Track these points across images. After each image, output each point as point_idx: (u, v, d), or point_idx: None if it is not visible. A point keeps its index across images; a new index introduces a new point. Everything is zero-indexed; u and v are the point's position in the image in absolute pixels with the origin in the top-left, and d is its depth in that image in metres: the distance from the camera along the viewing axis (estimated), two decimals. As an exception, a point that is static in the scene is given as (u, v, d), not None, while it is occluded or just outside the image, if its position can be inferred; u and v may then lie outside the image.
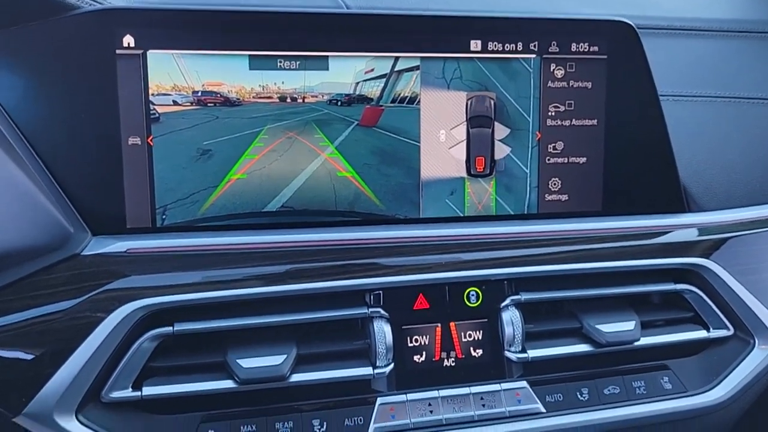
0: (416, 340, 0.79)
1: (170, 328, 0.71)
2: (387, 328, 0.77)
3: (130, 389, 0.70)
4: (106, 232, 0.74)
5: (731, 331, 0.88)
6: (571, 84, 0.85)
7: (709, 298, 0.87)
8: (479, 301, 0.81)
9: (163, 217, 0.77)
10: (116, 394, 0.69)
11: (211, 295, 0.72)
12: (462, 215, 0.84)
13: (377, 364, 0.76)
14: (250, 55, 0.77)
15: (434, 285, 0.79)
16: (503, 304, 0.81)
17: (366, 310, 0.77)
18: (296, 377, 0.74)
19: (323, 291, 0.75)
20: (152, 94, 0.74)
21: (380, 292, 0.78)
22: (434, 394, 0.78)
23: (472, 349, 0.80)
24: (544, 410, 0.80)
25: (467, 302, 0.81)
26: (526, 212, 0.86)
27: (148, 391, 0.70)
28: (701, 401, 0.84)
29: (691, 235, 0.88)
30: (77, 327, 0.68)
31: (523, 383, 0.80)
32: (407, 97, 0.82)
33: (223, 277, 0.73)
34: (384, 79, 0.81)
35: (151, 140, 0.75)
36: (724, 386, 0.86)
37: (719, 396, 0.85)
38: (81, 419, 0.67)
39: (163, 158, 0.76)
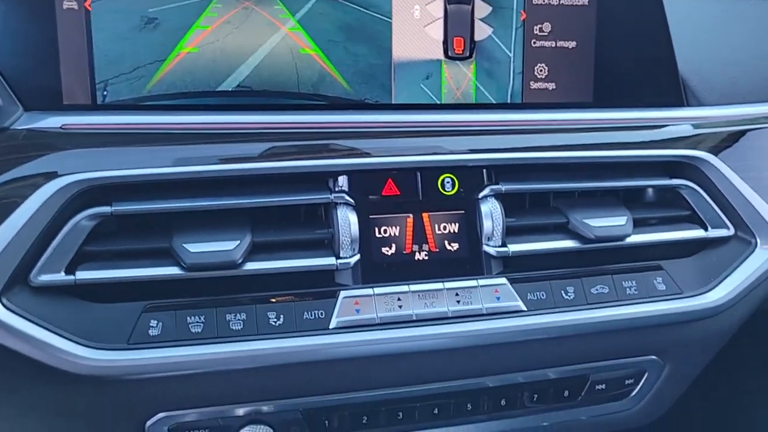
0: (385, 231, 0.72)
1: (108, 207, 0.64)
2: (352, 217, 0.70)
3: (63, 273, 0.63)
4: (40, 108, 0.67)
5: (731, 231, 0.81)
6: (559, -45, 0.77)
7: (708, 195, 0.80)
8: (455, 190, 0.74)
9: (105, 93, 0.69)
10: (46, 277, 0.62)
11: (154, 172, 0.65)
12: (438, 102, 0.76)
13: (341, 254, 0.69)
14: None
15: (405, 169, 0.72)
16: (482, 194, 0.74)
17: (329, 196, 0.70)
18: (250, 266, 0.67)
19: (282, 172, 0.68)
20: (88, -50, 0.67)
21: (345, 175, 0.70)
22: (404, 288, 0.71)
23: (446, 242, 0.73)
24: (524, 308, 0.73)
25: (442, 190, 0.73)
26: (509, 101, 0.78)
27: (82, 275, 0.63)
28: (698, 304, 0.77)
29: (689, 128, 0.81)
30: (2, 203, 0.61)
31: (503, 280, 0.73)
32: (377, -35, 0.74)
33: (170, 157, 0.66)
34: (350, -58, 0.73)
35: (89, 5, 0.67)
36: (723, 288, 0.78)
37: (717, 299, 0.78)
38: (5, 302, 0.60)
39: (103, 26, 0.68)
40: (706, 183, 0.80)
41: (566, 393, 0.81)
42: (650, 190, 0.84)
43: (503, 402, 0.79)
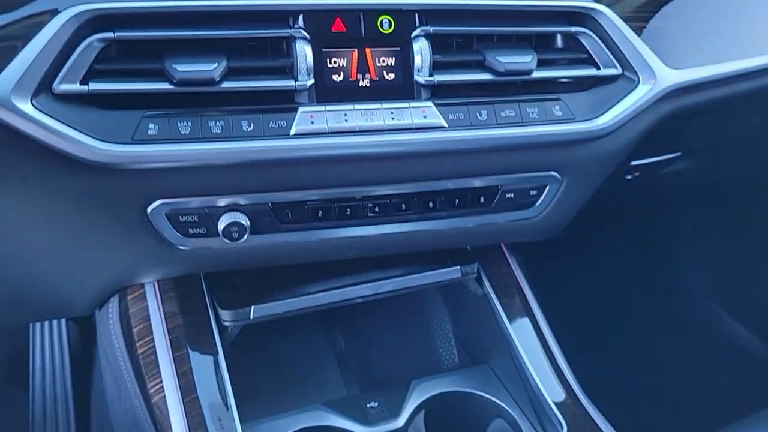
0: (335, 62, 0.89)
1: (112, 33, 0.81)
2: (308, 49, 0.87)
3: (78, 84, 0.80)
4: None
5: (619, 71, 0.99)
6: None
7: (601, 41, 0.98)
8: (391, 29, 0.91)
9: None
10: (65, 87, 0.80)
11: (148, 5, 0.81)
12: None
13: (299, 79, 0.87)
14: None
15: (350, 10, 0.89)
16: (414, 34, 0.91)
17: (289, 30, 0.87)
18: (226, 84, 0.84)
19: (251, 9, 0.85)
20: None
21: (301, 14, 0.87)
22: (349, 107, 0.89)
23: (384, 72, 0.91)
24: (446, 125, 0.92)
25: (380, 29, 0.90)
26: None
27: (94, 86, 0.80)
28: (588, 126, 0.97)
29: (591, -15, 0.98)
30: (27, 26, 0.78)
31: (429, 103, 0.92)
32: None
33: None
34: None
35: None
36: (609, 115, 0.98)
37: (604, 122, 0.97)
38: (35, 104, 0.78)
39: None
40: (600, 31, 0.98)
41: (482, 199, 1.01)
42: (558, 37, 1.01)
43: (431, 204, 0.99)
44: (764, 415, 1.09)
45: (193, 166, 0.85)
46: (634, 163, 1.29)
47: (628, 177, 1.35)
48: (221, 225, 0.91)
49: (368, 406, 1.06)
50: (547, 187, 1.04)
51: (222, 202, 0.91)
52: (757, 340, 1.88)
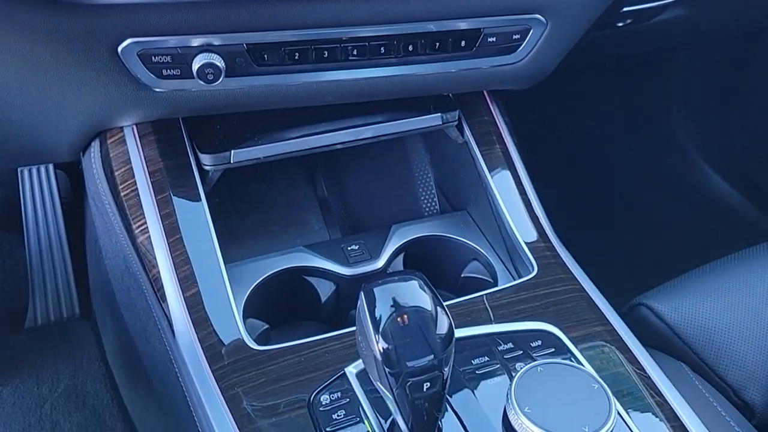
0: None
1: None
2: None
3: None
4: None
5: None
6: None
7: None
8: None
9: None
10: None
11: None
12: None
13: None
14: None
15: None
16: None
17: None
18: None
19: None
20: None
21: None
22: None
23: None
24: None
25: None
26: None
27: None
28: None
29: None
30: None
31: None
32: None
33: None
34: None
35: None
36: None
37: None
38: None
39: None
40: None
41: (463, 43, 0.99)
42: None
43: (411, 48, 0.97)
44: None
45: (162, 1, 0.82)
46: (625, 9, 1.25)
47: (619, 24, 1.32)
48: (195, 66, 0.90)
49: (349, 248, 1.09)
50: (531, 31, 1.01)
51: (195, 42, 0.89)
52: (737, 194, 1.92)
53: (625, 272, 1.55)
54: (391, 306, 0.69)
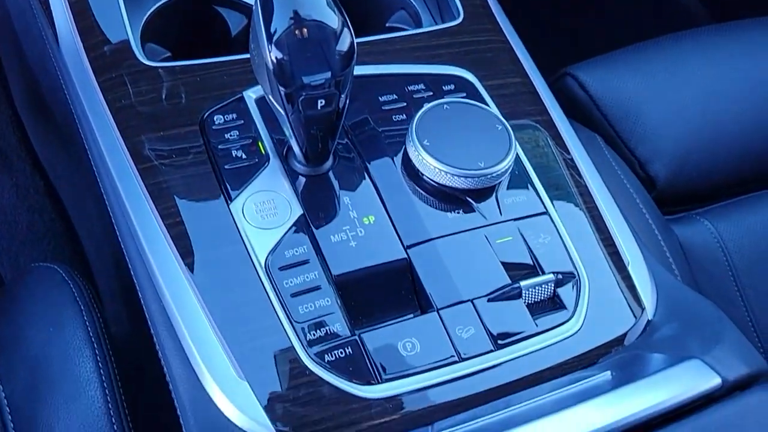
0: None
1: None
2: None
3: None
4: None
5: None
6: None
7: None
8: None
9: None
10: None
11: None
12: None
13: None
14: None
15: None
16: None
17: None
18: None
19: None
20: None
21: None
22: None
23: None
24: None
25: None
26: None
27: None
28: None
29: None
30: None
31: None
32: None
33: None
34: None
35: None
36: None
37: None
38: None
39: None
40: None
41: None
42: None
43: None
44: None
45: None
46: None
47: None
48: None
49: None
50: None
51: None
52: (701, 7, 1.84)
53: (560, 49, 1.50)
54: (291, 18, 0.64)
